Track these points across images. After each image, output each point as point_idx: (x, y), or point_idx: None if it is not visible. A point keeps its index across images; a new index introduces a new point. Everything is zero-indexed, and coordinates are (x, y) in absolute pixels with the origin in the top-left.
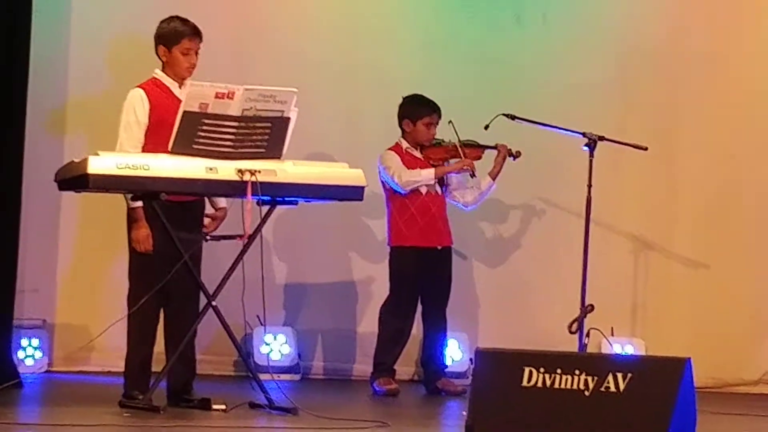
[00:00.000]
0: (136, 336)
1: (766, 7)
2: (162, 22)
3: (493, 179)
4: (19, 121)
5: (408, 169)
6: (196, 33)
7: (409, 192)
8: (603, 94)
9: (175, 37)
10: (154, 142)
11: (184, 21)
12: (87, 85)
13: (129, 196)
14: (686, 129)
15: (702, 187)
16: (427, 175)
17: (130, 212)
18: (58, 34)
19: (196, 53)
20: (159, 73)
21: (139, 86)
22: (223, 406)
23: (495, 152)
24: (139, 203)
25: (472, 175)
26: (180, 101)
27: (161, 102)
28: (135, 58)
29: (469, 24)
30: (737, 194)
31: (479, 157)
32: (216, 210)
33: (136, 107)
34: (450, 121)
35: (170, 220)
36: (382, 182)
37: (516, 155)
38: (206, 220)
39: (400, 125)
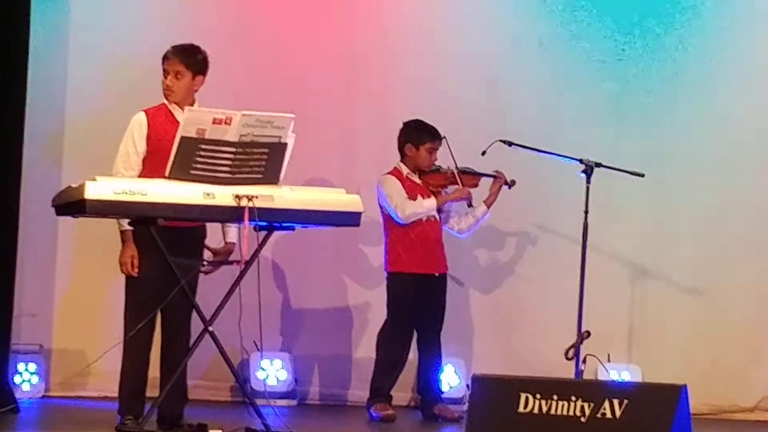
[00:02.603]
0: (129, 361)
1: (759, 30)
2: None
3: (488, 207)
4: (17, 145)
5: (409, 195)
6: (170, 55)
7: (405, 223)
8: (598, 118)
9: (162, 59)
10: (152, 167)
11: (174, 45)
12: (85, 110)
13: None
14: (681, 155)
15: (698, 212)
16: (429, 205)
17: (121, 234)
18: (56, 58)
19: (176, 77)
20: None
21: (144, 110)
22: (220, 431)
23: (491, 179)
24: (127, 226)
25: (470, 205)
26: None
27: (161, 127)
28: (133, 83)
29: (465, 48)
30: (732, 220)
31: (476, 185)
32: (225, 243)
33: (135, 133)
34: (444, 137)
35: (167, 246)
36: (381, 207)
37: (511, 184)
38: (206, 253)
39: (402, 150)
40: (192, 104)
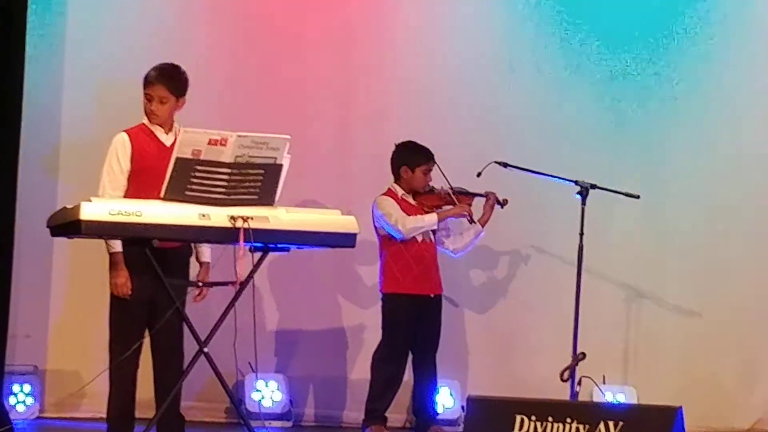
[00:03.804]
0: (117, 384)
1: (756, 53)
2: None
3: (482, 226)
4: (12, 166)
5: (408, 216)
6: (153, 80)
7: (406, 238)
8: (594, 141)
9: (143, 82)
10: (136, 187)
11: (157, 67)
12: (80, 131)
13: (111, 241)
14: (676, 176)
15: (693, 234)
16: (430, 221)
17: (110, 257)
18: (51, 79)
19: (161, 102)
20: (146, 120)
21: (124, 130)
22: None
23: (484, 199)
24: (119, 248)
25: (471, 221)
26: (165, 146)
27: (144, 147)
28: (128, 103)
29: (461, 70)
30: (727, 242)
31: (470, 205)
32: (200, 264)
33: (119, 152)
34: (435, 163)
35: (152, 266)
36: (376, 228)
37: (503, 203)
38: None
39: (396, 171)
40: (171, 124)
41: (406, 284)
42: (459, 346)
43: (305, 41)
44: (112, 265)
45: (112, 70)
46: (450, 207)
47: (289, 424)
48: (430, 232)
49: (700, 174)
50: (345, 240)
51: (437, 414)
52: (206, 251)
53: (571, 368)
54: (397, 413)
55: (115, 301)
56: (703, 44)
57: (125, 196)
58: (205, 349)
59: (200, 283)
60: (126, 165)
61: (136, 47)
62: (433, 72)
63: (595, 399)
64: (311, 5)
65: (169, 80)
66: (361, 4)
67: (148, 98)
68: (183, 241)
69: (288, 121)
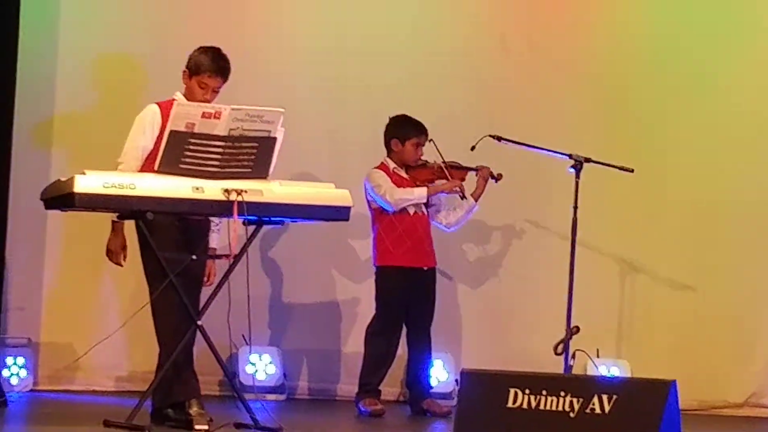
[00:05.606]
0: (167, 359)
1: (753, 26)
2: (199, 48)
3: (476, 200)
4: (6, 139)
5: (398, 188)
6: (218, 72)
7: (396, 211)
8: (588, 115)
9: (198, 67)
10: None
11: (216, 57)
12: (74, 102)
13: None
14: (671, 151)
15: (687, 208)
16: (419, 194)
17: (113, 224)
18: (45, 50)
19: (215, 91)
20: (179, 96)
21: (156, 103)
22: (205, 427)
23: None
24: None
25: (462, 197)
26: None
27: None
28: (121, 76)
29: (454, 45)
30: (723, 216)
31: (463, 179)
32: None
33: (146, 126)
34: (431, 140)
35: (184, 239)
36: (368, 201)
37: (497, 177)
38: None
39: (388, 145)
40: None
41: (398, 257)
42: (453, 319)
43: (297, 16)
44: (112, 231)
45: (107, 41)
46: (442, 181)
47: (282, 397)
48: (423, 205)
49: (695, 147)
50: (339, 213)
51: (431, 387)
52: (215, 238)
53: (565, 342)
54: (391, 387)
55: (154, 273)
56: (702, 16)
57: (144, 168)
58: (200, 322)
59: (194, 257)
60: (152, 138)
61: (131, 19)
62: (427, 46)
63: (589, 372)
64: None
65: (227, 73)
66: None
67: (203, 86)
68: (177, 214)
69: (281, 94)
